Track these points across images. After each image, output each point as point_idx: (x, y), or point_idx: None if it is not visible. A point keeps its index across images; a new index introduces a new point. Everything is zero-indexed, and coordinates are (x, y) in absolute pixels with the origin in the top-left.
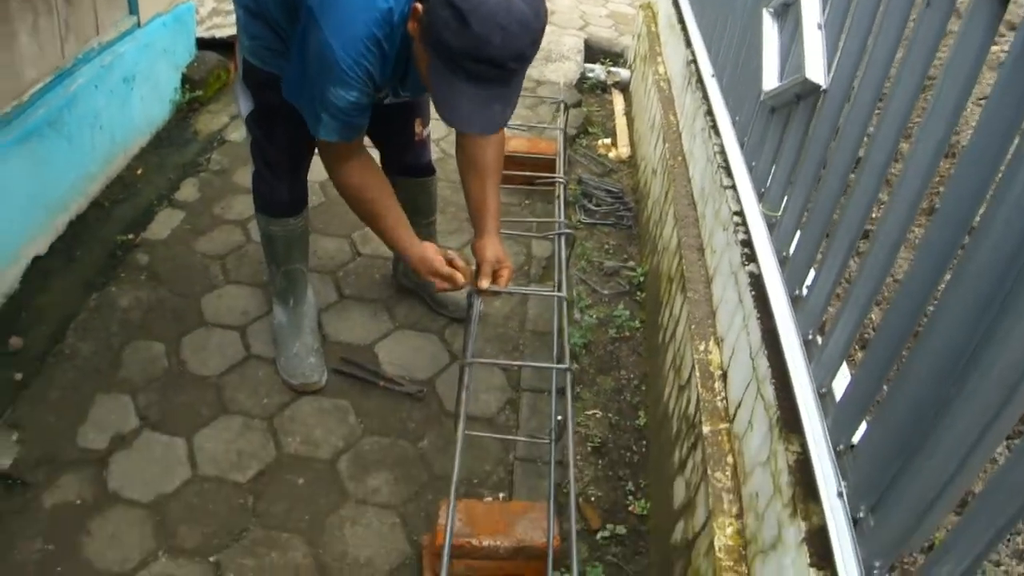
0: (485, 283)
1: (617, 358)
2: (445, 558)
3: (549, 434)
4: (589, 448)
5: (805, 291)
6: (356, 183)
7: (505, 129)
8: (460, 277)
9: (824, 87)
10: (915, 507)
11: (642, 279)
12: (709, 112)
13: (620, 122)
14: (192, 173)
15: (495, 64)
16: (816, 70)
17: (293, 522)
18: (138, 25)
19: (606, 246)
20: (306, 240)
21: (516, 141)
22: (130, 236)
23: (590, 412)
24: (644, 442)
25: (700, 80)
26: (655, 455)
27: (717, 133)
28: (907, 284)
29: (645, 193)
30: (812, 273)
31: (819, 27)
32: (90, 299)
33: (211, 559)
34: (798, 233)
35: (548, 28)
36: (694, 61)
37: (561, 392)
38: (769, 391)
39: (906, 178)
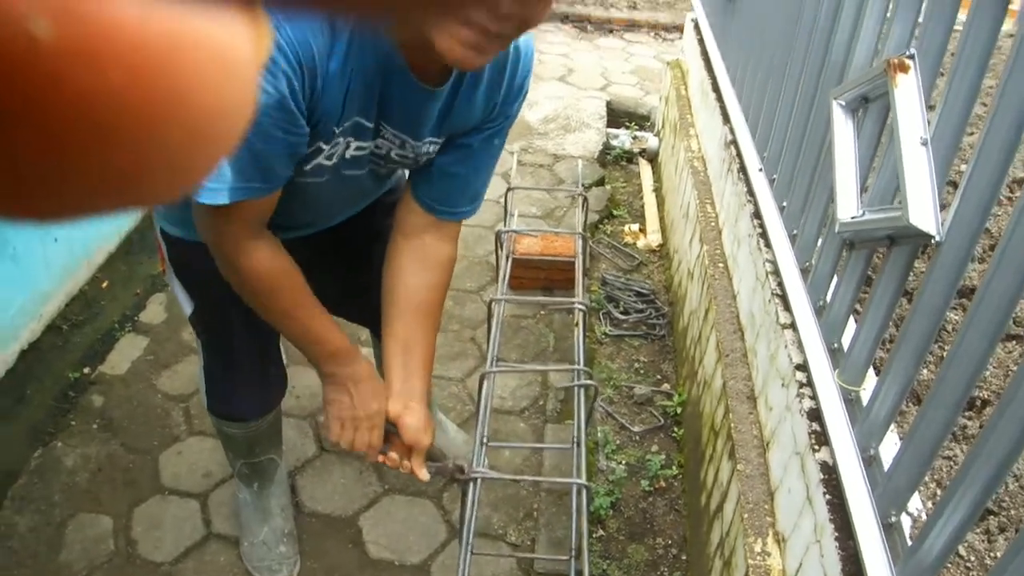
0: (422, 473)
1: (651, 519)
2: None
3: None
4: None
5: (904, 520)
6: (266, 268)
7: (513, 229)
8: (392, 460)
9: (938, 238)
10: None
11: (679, 410)
12: (757, 215)
13: (649, 201)
14: (161, 286)
15: None
16: (922, 211)
17: None
18: None
19: (636, 364)
20: (276, 428)
21: (528, 241)
22: (86, 370)
23: None
24: None
25: (743, 170)
26: None
27: (768, 246)
28: None
29: (680, 295)
30: (916, 497)
31: (923, 143)
32: (34, 457)
33: None
34: (894, 435)
35: (567, 91)
36: (734, 142)
37: None
38: None
39: None
